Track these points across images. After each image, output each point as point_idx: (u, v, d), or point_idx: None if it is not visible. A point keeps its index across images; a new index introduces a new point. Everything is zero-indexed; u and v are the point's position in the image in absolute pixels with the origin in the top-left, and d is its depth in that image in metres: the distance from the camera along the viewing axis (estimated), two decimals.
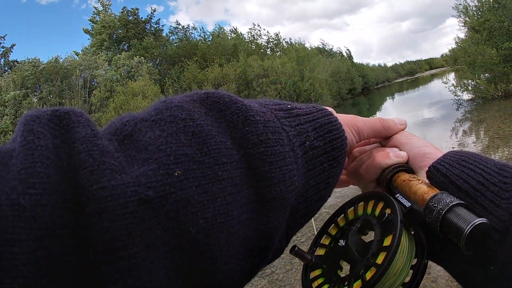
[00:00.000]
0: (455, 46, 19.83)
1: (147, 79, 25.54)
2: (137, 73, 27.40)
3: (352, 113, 0.62)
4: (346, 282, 0.50)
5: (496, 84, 13.59)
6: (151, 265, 0.32)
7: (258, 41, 37.42)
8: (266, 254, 0.43)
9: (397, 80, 76.24)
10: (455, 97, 15.12)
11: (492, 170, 0.48)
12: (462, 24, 18.43)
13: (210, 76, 25.89)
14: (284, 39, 39.25)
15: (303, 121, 0.48)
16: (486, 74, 14.67)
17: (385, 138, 0.65)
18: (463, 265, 0.49)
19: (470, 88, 15.07)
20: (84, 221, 0.29)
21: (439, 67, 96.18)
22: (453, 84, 15.87)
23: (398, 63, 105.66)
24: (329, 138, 0.49)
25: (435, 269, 3.32)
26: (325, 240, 0.60)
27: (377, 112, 22.89)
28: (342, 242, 0.57)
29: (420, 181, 0.53)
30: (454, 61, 19.86)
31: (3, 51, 34.05)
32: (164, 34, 40.09)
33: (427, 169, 0.54)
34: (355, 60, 58.33)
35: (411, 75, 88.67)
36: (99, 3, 39.31)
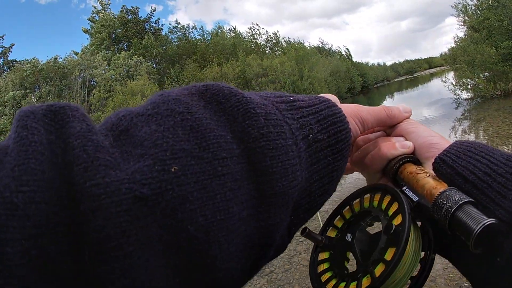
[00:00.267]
0: (455, 45, 19.81)
1: (146, 78, 25.54)
2: (136, 73, 27.39)
3: None
4: (354, 278, 0.50)
5: (495, 83, 13.58)
6: (148, 264, 0.31)
7: (257, 41, 37.43)
8: (268, 251, 0.42)
9: (396, 79, 76.18)
10: (454, 96, 15.10)
11: (498, 160, 0.47)
12: (462, 23, 18.44)
13: (209, 75, 25.87)
14: (283, 38, 39.27)
15: (306, 114, 0.46)
16: (485, 73, 14.65)
17: (390, 126, 0.64)
18: (469, 259, 0.48)
19: (469, 87, 15.05)
20: (78, 219, 0.29)
21: (438, 66, 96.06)
22: (452, 83, 15.86)
23: (397, 62, 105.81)
24: (333, 130, 0.47)
25: (434, 269, 3.31)
26: (331, 233, 0.60)
27: None
28: (349, 237, 0.56)
29: (427, 174, 0.52)
30: (454, 60, 19.85)
31: (2, 51, 34.07)
32: (163, 33, 40.09)
33: (433, 160, 0.53)
34: (354, 59, 58.31)
35: (410, 74, 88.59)
36: (98, 3, 39.32)
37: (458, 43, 18.62)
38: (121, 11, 39.28)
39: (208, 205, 0.34)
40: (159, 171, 0.32)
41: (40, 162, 0.29)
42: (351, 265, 0.54)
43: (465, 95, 15.27)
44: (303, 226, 0.52)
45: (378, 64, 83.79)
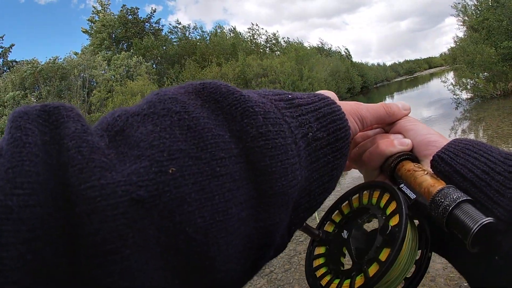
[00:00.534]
0: (454, 45, 19.80)
1: (146, 78, 25.52)
2: (135, 73, 27.38)
3: None
4: (348, 276, 0.50)
5: (495, 83, 13.57)
6: (146, 266, 0.30)
7: (257, 41, 37.43)
8: (268, 251, 0.41)
9: (396, 79, 76.05)
10: (454, 96, 15.08)
11: (497, 159, 0.47)
12: (461, 23, 18.44)
13: (209, 75, 25.84)
14: (282, 38, 39.26)
15: (305, 112, 0.46)
16: (485, 73, 14.64)
17: (388, 123, 0.64)
18: (467, 257, 0.48)
19: (469, 87, 15.03)
20: (74, 222, 0.28)
21: (438, 66, 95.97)
22: (452, 83, 15.85)
23: (397, 62, 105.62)
24: (332, 128, 0.47)
25: (433, 268, 3.32)
26: (329, 227, 0.60)
27: None
28: (345, 235, 0.56)
29: (425, 172, 0.52)
30: (453, 60, 19.83)
31: (1, 51, 34.07)
32: (163, 33, 40.08)
33: (431, 158, 0.53)
34: (354, 59, 58.29)
35: (410, 74, 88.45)
36: (97, 3, 39.30)
37: (457, 43, 18.60)
38: (121, 11, 39.28)
39: (206, 206, 0.33)
40: (156, 172, 0.31)
41: (34, 164, 0.29)
42: (348, 261, 0.54)
43: (465, 95, 15.25)
44: None
45: (378, 64, 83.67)
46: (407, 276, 0.49)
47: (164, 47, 35.10)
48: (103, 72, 26.69)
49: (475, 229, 0.42)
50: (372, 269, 0.46)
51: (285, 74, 24.69)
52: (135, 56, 29.22)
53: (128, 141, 0.34)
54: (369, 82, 52.84)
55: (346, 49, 59.34)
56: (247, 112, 0.39)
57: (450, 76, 18.62)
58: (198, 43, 34.26)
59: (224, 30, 36.93)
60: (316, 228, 0.60)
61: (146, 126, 0.35)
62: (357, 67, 50.08)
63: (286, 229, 0.44)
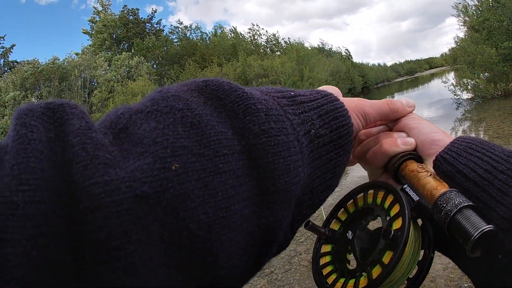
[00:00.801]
0: (455, 46, 19.78)
1: (146, 79, 25.53)
2: (136, 73, 27.39)
3: None
4: (353, 276, 0.51)
5: (496, 84, 13.56)
6: (149, 263, 0.30)
7: (257, 41, 37.42)
8: (270, 248, 0.41)
9: (396, 80, 75.95)
10: (455, 96, 15.09)
11: (499, 157, 0.47)
12: (462, 24, 18.41)
13: (209, 76, 25.75)
14: (283, 39, 39.27)
15: (307, 109, 0.46)
16: (486, 74, 14.63)
17: (392, 120, 0.64)
18: (469, 258, 0.48)
19: (469, 87, 15.03)
20: (78, 219, 0.28)
21: (438, 67, 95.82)
22: (452, 84, 15.85)
23: (397, 63, 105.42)
24: (335, 125, 0.47)
25: (434, 269, 3.32)
26: (334, 225, 0.61)
27: None
28: (349, 235, 0.57)
29: (429, 173, 0.52)
30: (454, 60, 19.82)
31: (2, 52, 34.08)
32: (164, 34, 40.08)
33: (434, 157, 0.53)
34: (355, 60, 58.22)
35: (410, 75, 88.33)
36: (98, 3, 39.33)
37: (458, 44, 18.58)
38: (122, 11, 39.33)
39: (209, 202, 0.33)
40: (160, 169, 0.31)
41: (39, 161, 0.29)
42: (353, 260, 0.55)
43: (466, 95, 15.25)
44: (306, 220, 0.52)
45: (379, 65, 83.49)
46: (410, 276, 0.50)
47: (165, 48, 35.11)
48: (104, 72, 26.70)
49: (476, 236, 0.42)
50: (376, 271, 0.47)
51: (286, 74, 24.68)
52: (136, 57, 29.23)
53: (132, 138, 0.34)
54: (369, 83, 52.76)
55: (347, 49, 59.30)
56: (250, 109, 0.39)
57: (451, 76, 18.62)
58: (198, 44, 34.27)
59: (225, 31, 36.94)
60: (322, 226, 0.60)
61: (149, 123, 0.35)
62: (358, 67, 50.02)
63: (289, 226, 0.44)
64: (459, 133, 9.25)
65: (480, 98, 14.11)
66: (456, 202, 0.45)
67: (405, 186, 0.55)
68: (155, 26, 41.96)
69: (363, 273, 0.50)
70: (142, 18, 40.76)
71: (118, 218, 0.28)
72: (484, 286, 0.48)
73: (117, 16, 38.92)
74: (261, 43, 37.64)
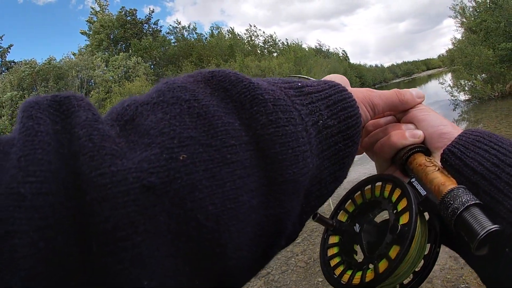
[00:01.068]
0: (452, 47, 19.82)
1: (144, 79, 25.52)
2: (133, 74, 27.38)
3: None
4: (360, 268, 0.51)
5: (493, 85, 13.60)
6: (157, 253, 0.30)
7: (255, 42, 37.44)
8: (279, 239, 0.41)
9: (394, 81, 75.88)
10: (452, 97, 15.11)
11: (507, 150, 0.47)
12: (459, 25, 18.47)
13: None
14: (279, 40, 39.29)
15: (315, 99, 0.45)
16: (483, 75, 14.66)
17: (401, 111, 0.62)
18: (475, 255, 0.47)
19: (466, 88, 15.05)
20: (85, 210, 0.28)
21: (436, 68, 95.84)
22: (449, 85, 15.87)
23: (395, 64, 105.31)
24: (343, 116, 0.46)
25: None
26: (342, 217, 0.61)
27: None
28: (357, 228, 0.57)
29: (436, 168, 0.52)
30: (451, 61, 19.85)
31: (0, 52, 34.03)
32: (162, 34, 40.08)
33: (442, 151, 0.53)
34: (352, 61, 58.39)
35: (408, 76, 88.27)
36: (96, 4, 39.31)
37: (455, 45, 18.60)
38: (119, 12, 39.28)
39: (217, 193, 0.33)
40: (167, 159, 0.31)
41: (46, 152, 0.29)
42: (360, 252, 0.55)
43: (463, 96, 15.27)
44: (314, 213, 0.52)
45: (376, 66, 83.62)
46: (416, 270, 0.50)
47: (163, 48, 35.09)
48: (101, 72, 26.68)
49: (482, 235, 0.42)
50: (382, 265, 0.48)
51: (283, 75, 24.69)
52: (134, 57, 29.21)
53: (138, 130, 0.34)
54: (367, 84, 52.80)
55: (344, 50, 59.47)
56: (257, 99, 0.39)
57: (448, 77, 18.66)
58: (195, 44, 34.25)
59: (222, 31, 36.95)
60: (329, 217, 0.60)
61: (156, 114, 0.35)
62: (355, 68, 50.20)
63: (297, 218, 0.43)
64: None
65: (477, 99, 14.14)
66: (463, 200, 0.45)
67: (413, 180, 0.55)
68: (153, 26, 41.95)
69: (370, 266, 0.50)
70: (139, 18, 40.72)
71: (125, 208, 0.28)
72: (491, 281, 0.48)
73: (114, 17, 38.89)
74: (258, 44, 37.67)
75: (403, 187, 0.52)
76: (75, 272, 0.27)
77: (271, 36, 38.59)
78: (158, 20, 50.88)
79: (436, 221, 0.51)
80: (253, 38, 37.49)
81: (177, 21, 40.11)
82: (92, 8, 40.04)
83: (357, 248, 0.56)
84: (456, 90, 15.41)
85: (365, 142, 0.64)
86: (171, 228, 0.30)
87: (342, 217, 0.60)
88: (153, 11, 45.50)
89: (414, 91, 0.61)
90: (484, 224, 0.42)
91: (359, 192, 0.60)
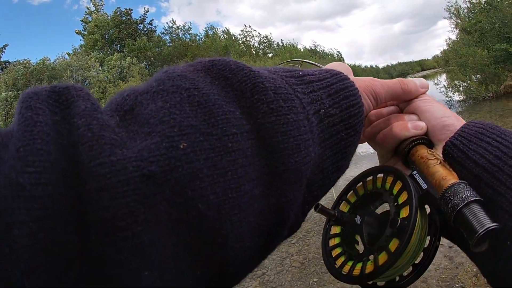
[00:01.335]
0: (447, 48, 19.95)
1: (139, 80, 25.51)
2: (128, 74, 27.35)
3: None
4: (360, 260, 0.52)
5: (487, 85, 13.69)
6: (157, 243, 0.29)
7: (250, 42, 37.49)
8: (282, 230, 0.40)
9: None
10: (447, 98, 15.21)
11: (510, 143, 0.47)
12: (454, 26, 18.62)
13: None
14: (274, 42, 39.34)
15: (316, 88, 0.44)
16: (477, 75, 14.77)
17: (404, 101, 0.61)
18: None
19: (461, 89, 15.16)
20: (84, 200, 0.27)
21: (430, 69, 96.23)
22: (444, 85, 15.98)
23: (390, 65, 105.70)
24: (345, 105, 0.45)
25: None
26: (344, 207, 0.61)
27: None
28: (358, 220, 0.57)
29: (438, 161, 0.51)
30: (446, 62, 20.01)
31: None
32: (157, 34, 40.05)
33: (444, 143, 0.52)
34: (347, 62, 58.50)
35: (403, 77, 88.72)
36: (91, 4, 39.24)
37: (450, 46, 18.74)
38: (114, 12, 39.23)
39: (218, 182, 0.32)
40: (167, 148, 0.31)
41: (45, 143, 0.28)
42: (361, 243, 0.56)
43: (457, 97, 15.37)
44: (315, 204, 0.52)
45: (371, 66, 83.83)
46: (416, 262, 0.51)
47: (158, 48, 35.07)
48: (96, 73, 26.65)
49: (481, 233, 0.41)
50: (382, 258, 0.48)
51: None
52: (128, 57, 29.19)
53: (138, 119, 0.34)
54: None
55: (338, 51, 59.65)
56: (257, 88, 0.38)
57: (443, 78, 18.75)
58: (190, 44, 34.25)
59: (217, 32, 36.97)
60: (331, 207, 0.60)
61: (156, 103, 0.34)
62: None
63: (300, 208, 0.43)
64: None
65: (472, 100, 14.23)
66: (463, 196, 0.44)
67: (414, 172, 0.55)
68: (148, 26, 41.91)
69: (370, 258, 0.50)
70: (134, 18, 40.67)
71: (125, 198, 0.28)
72: (493, 277, 0.48)
73: (109, 17, 38.84)
74: (253, 44, 37.71)
75: (404, 180, 0.52)
76: (74, 264, 0.27)
77: (267, 36, 38.65)
78: (152, 20, 50.83)
79: (436, 215, 0.51)
80: (248, 39, 37.54)
81: (172, 21, 40.09)
82: (87, 8, 40.00)
83: (359, 238, 0.57)
84: (451, 91, 15.53)
85: (368, 132, 0.63)
86: (171, 218, 0.30)
87: (344, 207, 0.61)
88: (148, 11, 45.53)
89: (418, 81, 0.61)
90: (483, 222, 0.42)
91: (361, 183, 0.60)
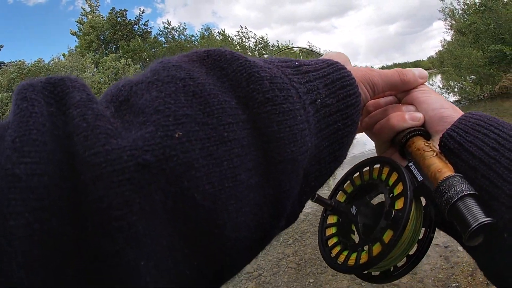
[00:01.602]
0: (442, 49, 20.02)
1: None
2: (123, 75, 27.30)
3: None
4: (355, 250, 0.53)
5: (482, 86, 13.76)
6: (153, 233, 0.29)
7: (246, 44, 37.46)
8: (278, 220, 0.40)
9: None
10: None
11: (508, 135, 0.46)
12: (449, 27, 18.67)
13: None
14: (270, 43, 39.33)
15: (312, 78, 0.44)
16: (472, 76, 14.83)
17: (402, 91, 0.62)
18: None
19: (456, 90, 15.22)
20: (79, 191, 0.27)
21: (426, 69, 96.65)
22: (439, 86, 16.06)
23: (385, 66, 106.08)
24: (342, 95, 0.45)
25: (421, 269, 3.33)
26: (340, 197, 0.61)
27: None
28: (353, 210, 0.57)
29: (434, 153, 0.51)
30: (441, 63, 20.11)
31: None
32: (152, 36, 39.97)
33: (441, 135, 0.52)
34: None
35: None
36: (86, 5, 39.13)
37: (445, 47, 18.81)
38: (110, 12, 39.13)
39: (214, 172, 0.32)
40: (162, 137, 0.30)
41: (41, 133, 0.28)
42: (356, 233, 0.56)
43: (452, 97, 15.40)
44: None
45: (366, 67, 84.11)
46: (410, 253, 0.51)
47: (153, 50, 35.00)
48: (91, 74, 26.58)
49: (474, 227, 0.41)
50: (376, 249, 0.48)
51: None
52: (123, 59, 29.12)
53: (133, 109, 0.34)
54: None
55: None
56: (253, 77, 0.38)
57: (438, 79, 18.85)
58: (185, 46, 34.20)
59: (213, 33, 36.92)
60: (328, 197, 0.61)
61: (151, 93, 0.34)
62: None
63: (297, 198, 0.43)
64: None
65: (467, 100, 14.29)
66: (458, 190, 0.44)
67: (411, 164, 0.55)
68: (143, 27, 41.82)
69: (365, 248, 0.51)
70: (129, 19, 40.57)
71: (120, 187, 0.28)
72: (489, 269, 0.48)
73: (105, 18, 38.74)
74: (249, 45, 37.69)
75: (400, 172, 0.52)
76: (71, 259, 0.27)
77: (263, 37, 38.63)
78: (148, 21, 50.75)
79: (431, 207, 0.51)
80: (244, 40, 37.53)
81: (167, 21, 39.92)
82: (82, 9, 39.86)
83: (355, 228, 0.57)
84: (446, 91, 15.57)
85: (365, 122, 0.63)
86: (167, 208, 0.30)
87: (341, 197, 0.61)
88: (143, 12, 45.34)
89: (417, 71, 0.60)
90: (477, 216, 0.42)
91: (358, 173, 0.60)
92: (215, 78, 0.38)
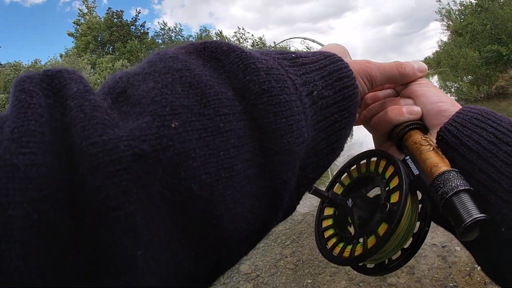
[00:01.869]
0: (438, 49, 20.07)
1: None
2: None
3: None
4: (350, 242, 0.53)
5: (479, 86, 13.77)
6: (151, 224, 0.29)
7: (243, 45, 37.49)
8: (276, 212, 0.40)
9: None
10: None
11: (506, 129, 0.46)
12: (445, 28, 18.72)
13: None
14: (267, 44, 39.35)
15: (309, 70, 0.44)
16: (469, 76, 14.85)
17: (401, 84, 0.61)
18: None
19: (453, 90, 15.25)
20: (77, 181, 0.27)
21: None
22: (436, 87, 16.05)
23: None
24: (339, 87, 0.45)
25: (419, 269, 3.33)
26: (338, 189, 0.62)
27: None
28: (350, 203, 0.58)
29: (431, 147, 0.51)
30: (437, 64, 20.15)
31: None
32: (149, 37, 39.92)
33: (439, 129, 0.52)
34: None
35: None
36: (84, 6, 39.07)
37: (442, 47, 18.87)
38: (107, 13, 39.07)
39: (211, 162, 0.32)
40: (159, 127, 0.31)
41: (40, 124, 0.28)
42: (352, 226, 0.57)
43: None
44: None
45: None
46: (404, 247, 0.52)
47: (150, 51, 34.96)
48: (88, 75, 26.55)
49: (468, 222, 0.41)
50: (371, 241, 0.49)
51: None
52: (120, 60, 29.08)
53: (130, 100, 0.34)
54: None
55: None
56: (249, 68, 0.38)
57: (435, 79, 18.88)
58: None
59: (210, 34, 36.93)
60: (326, 189, 0.62)
61: (147, 84, 0.34)
62: None
63: (294, 190, 0.43)
64: None
65: (463, 101, 14.28)
66: (453, 185, 0.44)
67: (407, 157, 0.55)
68: (140, 28, 41.76)
69: (360, 241, 0.51)
70: (126, 20, 40.51)
71: (117, 177, 0.28)
72: (487, 264, 0.48)
73: (102, 19, 38.69)
74: (246, 47, 37.70)
75: (396, 165, 0.52)
76: (69, 249, 0.27)
77: (260, 38, 38.65)
78: (145, 22, 50.71)
79: (427, 201, 0.51)
80: (241, 41, 37.53)
81: (164, 23, 39.79)
82: (79, 10, 39.79)
83: (350, 223, 0.57)
84: (443, 92, 15.56)
85: (363, 115, 0.63)
86: (164, 198, 0.30)
87: (338, 189, 0.61)
88: (139, 12, 45.37)
89: (416, 64, 0.60)
90: (471, 212, 0.42)
91: (355, 165, 0.60)
92: (211, 69, 0.38)
